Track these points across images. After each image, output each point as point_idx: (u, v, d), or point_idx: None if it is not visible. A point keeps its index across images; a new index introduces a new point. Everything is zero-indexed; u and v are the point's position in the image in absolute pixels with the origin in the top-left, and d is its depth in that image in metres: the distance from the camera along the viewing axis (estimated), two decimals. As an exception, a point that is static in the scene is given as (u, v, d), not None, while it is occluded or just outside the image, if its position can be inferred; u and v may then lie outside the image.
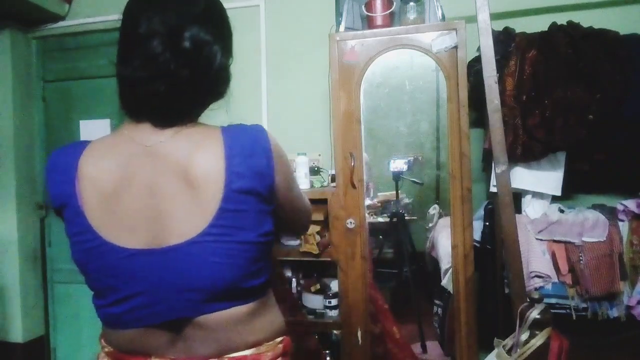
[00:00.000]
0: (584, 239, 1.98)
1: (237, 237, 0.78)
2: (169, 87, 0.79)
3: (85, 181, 0.80)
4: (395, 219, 2.44)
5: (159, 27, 0.79)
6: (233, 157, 0.78)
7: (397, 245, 2.50)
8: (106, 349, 0.88)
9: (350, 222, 2.02)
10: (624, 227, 2.00)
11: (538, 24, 2.11)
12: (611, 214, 2.05)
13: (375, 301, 2.13)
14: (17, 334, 2.89)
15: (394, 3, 2.08)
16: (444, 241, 2.07)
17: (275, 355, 0.87)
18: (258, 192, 0.80)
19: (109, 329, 0.86)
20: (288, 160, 0.90)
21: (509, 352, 1.47)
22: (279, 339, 0.90)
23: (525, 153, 2.00)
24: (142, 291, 0.79)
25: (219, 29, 0.87)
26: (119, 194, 0.79)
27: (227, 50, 0.88)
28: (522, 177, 2.10)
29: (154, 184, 0.79)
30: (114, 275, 0.79)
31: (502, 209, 1.76)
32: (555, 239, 2.02)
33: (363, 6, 2.10)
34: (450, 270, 1.98)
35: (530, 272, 1.97)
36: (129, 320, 0.81)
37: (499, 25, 2.10)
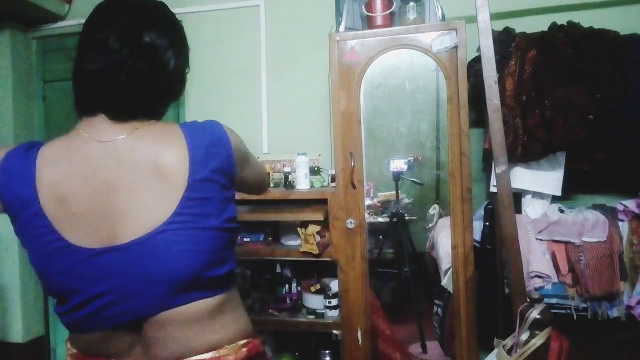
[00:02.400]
0: (584, 239, 1.98)
1: (202, 223, 0.80)
2: (128, 78, 0.82)
3: (43, 183, 0.79)
4: (395, 219, 2.44)
5: (119, 28, 0.84)
6: (195, 149, 0.81)
7: (397, 245, 2.50)
8: (70, 351, 0.88)
9: (350, 222, 2.02)
10: (624, 227, 2.00)
11: (538, 24, 2.11)
12: (611, 214, 2.05)
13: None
14: (17, 334, 2.88)
15: (394, 3, 2.08)
16: (444, 241, 2.07)
17: (237, 359, 0.83)
18: (219, 180, 0.83)
19: (73, 333, 0.87)
20: (243, 144, 0.94)
21: (509, 352, 1.47)
22: (242, 342, 0.85)
23: (525, 153, 2.00)
24: (106, 290, 0.78)
25: (174, 37, 0.91)
26: (77, 194, 0.79)
27: (184, 58, 0.93)
28: (522, 177, 2.10)
29: (115, 181, 0.79)
30: (78, 277, 0.78)
31: (502, 209, 1.76)
32: (555, 239, 2.02)
33: (363, 6, 2.09)
34: (450, 270, 1.98)
35: (530, 272, 1.97)
36: (92, 323, 0.80)
37: (499, 25, 2.10)
